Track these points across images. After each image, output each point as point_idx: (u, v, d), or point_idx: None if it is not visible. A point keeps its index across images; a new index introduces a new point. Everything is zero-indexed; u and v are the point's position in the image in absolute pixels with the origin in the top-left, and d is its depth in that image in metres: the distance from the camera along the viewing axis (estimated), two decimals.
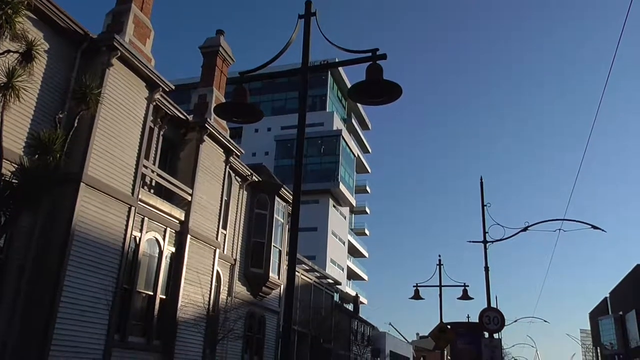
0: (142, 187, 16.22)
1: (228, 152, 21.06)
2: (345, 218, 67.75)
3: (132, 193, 15.27)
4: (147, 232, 16.34)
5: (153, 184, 17.47)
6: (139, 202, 15.58)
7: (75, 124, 12.03)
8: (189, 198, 18.33)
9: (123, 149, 15.09)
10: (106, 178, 14.31)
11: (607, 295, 68.69)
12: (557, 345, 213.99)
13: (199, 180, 18.93)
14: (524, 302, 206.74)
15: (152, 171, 16.99)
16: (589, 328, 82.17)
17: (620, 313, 60.51)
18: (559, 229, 17.43)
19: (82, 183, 13.35)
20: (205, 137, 19.30)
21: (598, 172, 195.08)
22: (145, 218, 16.23)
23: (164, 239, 17.14)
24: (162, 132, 18.18)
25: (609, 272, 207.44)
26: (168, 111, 18.02)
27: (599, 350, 74.17)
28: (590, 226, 16.75)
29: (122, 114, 15.11)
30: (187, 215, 18.18)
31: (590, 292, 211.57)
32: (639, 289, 53.63)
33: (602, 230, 16.68)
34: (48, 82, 13.52)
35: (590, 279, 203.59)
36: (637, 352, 54.20)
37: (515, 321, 67.76)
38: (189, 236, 18.06)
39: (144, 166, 16.13)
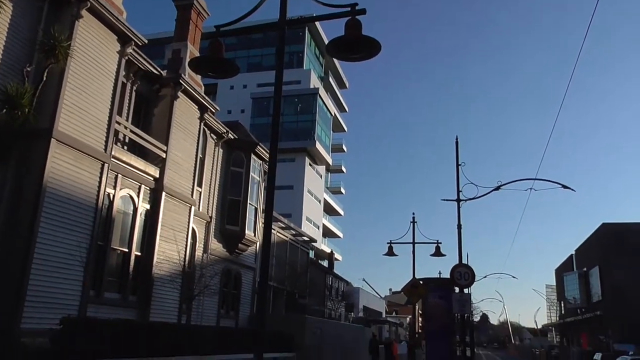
0: (115, 144, 15.95)
1: (203, 108, 20.74)
2: (321, 176, 68.02)
3: (105, 149, 15.01)
4: (121, 189, 16.17)
5: (126, 140, 17.18)
6: (112, 159, 15.35)
7: (44, 78, 11.67)
8: (164, 155, 18.12)
9: (95, 104, 14.73)
10: (78, 134, 14.00)
11: (573, 252, 71.17)
12: (523, 300, 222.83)
13: (173, 137, 18.67)
14: (494, 258, 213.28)
15: (125, 127, 16.67)
16: (555, 284, 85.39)
17: (585, 269, 62.90)
18: (530, 188, 17.87)
19: (52, 139, 13.04)
20: (180, 94, 18.94)
21: (570, 133, 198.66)
22: (119, 175, 16.03)
23: (138, 196, 17.01)
24: (135, 88, 17.75)
25: (576, 231, 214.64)
26: (141, 66, 17.55)
27: (562, 305, 77.36)
28: (560, 185, 17.17)
29: (93, 68, 14.67)
30: (161, 173, 18.01)
31: (557, 250, 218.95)
32: (603, 246, 55.67)
33: (572, 189, 17.12)
34: (14, 34, 12.96)
35: (558, 237, 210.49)
36: (598, 306, 56.72)
37: (485, 277, 70.36)
38: (163, 193, 17.94)
39: (117, 122, 15.81)
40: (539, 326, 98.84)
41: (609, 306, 53.45)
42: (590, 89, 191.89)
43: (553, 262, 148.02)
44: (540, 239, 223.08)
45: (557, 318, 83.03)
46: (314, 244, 42.75)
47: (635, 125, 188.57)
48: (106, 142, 15.10)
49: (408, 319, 78.59)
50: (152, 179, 17.66)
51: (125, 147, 16.98)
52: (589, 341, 52.75)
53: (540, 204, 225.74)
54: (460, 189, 18.16)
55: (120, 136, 16.71)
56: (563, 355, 63.83)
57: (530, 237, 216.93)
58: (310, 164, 63.39)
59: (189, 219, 19.71)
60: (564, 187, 17.14)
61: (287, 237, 33.87)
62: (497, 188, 17.85)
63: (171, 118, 18.62)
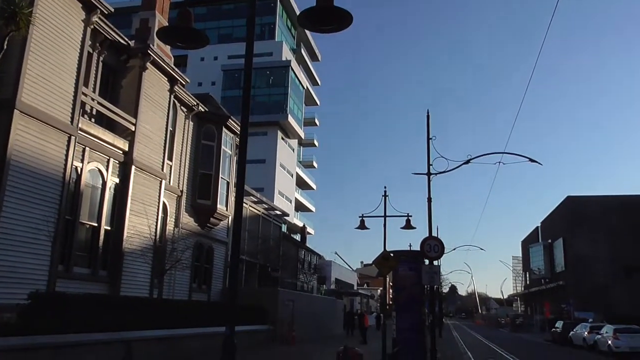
0: (82, 116, 15.55)
1: (172, 80, 20.33)
2: (293, 150, 67.83)
3: (72, 122, 14.63)
4: (89, 162, 15.84)
5: (94, 112, 16.76)
6: (79, 132, 14.99)
7: (5, 47, 11.22)
8: (133, 128, 17.77)
9: (60, 74, 14.28)
10: (42, 105, 13.59)
11: (539, 224, 73.21)
12: (490, 271, 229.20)
13: (142, 110, 18.30)
14: (463, 231, 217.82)
15: (92, 99, 16.26)
16: (521, 255, 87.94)
17: (549, 241, 64.88)
18: (499, 162, 18.12)
19: (15, 110, 12.65)
20: (148, 64, 18.49)
21: (539, 108, 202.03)
22: (87, 148, 15.68)
23: (107, 170, 16.70)
24: (101, 58, 17.24)
25: (542, 204, 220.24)
26: (108, 36, 17.03)
27: (527, 275, 79.89)
28: (528, 159, 17.48)
29: (57, 37, 14.17)
30: (130, 146, 17.68)
31: (524, 222, 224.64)
32: (568, 218, 57.39)
33: (539, 163, 17.47)
34: None
35: (525, 210, 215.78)
36: (561, 276, 58.73)
37: (454, 249, 71.66)
38: (133, 167, 17.66)
39: (83, 94, 15.40)
40: (505, 296, 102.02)
41: (571, 276, 55.42)
42: (558, 67, 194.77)
43: (520, 234, 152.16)
44: (507, 212, 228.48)
45: (523, 288, 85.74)
46: (286, 217, 42.88)
47: (600, 101, 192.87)
48: (72, 114, 14.71)
49: (379, 290, 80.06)
50: (121, 152, 17.33)
51: (93, 120, 16.57)
52: (552, 310, 54.66)
53: (509, 178, 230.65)
54: (430, 163, 18.34)
55: (87, 108, 16.29)
56: (527, 323, 66.20)
57: (498, 210, 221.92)
58: (282, 138, 63.07)
59: (160, 193, 19.49)
60: (531, 160, 17.47)
61: (259, 211, 33.86)
62: (467, 162, 18.08)
63: (140, 90, 18.21)
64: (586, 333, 30.09)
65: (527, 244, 78.74)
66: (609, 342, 25.66)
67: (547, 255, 65.34)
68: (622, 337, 25.28)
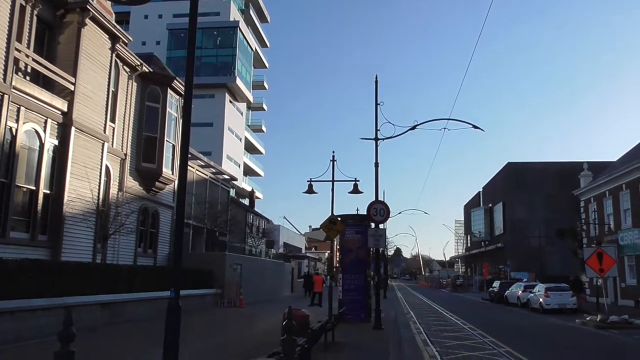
0: (16, 74, 14.71)
1: (114, 38, 19.45)
2: (241, 114, 66.83)
3: (4, 79, 13.84)
4: (24, 122, 15.08)
5: (29, 70, 15.85)
6: (13, 90, 14.20)
7: None
8: (72, 87, 16.97)
9: None
10: None
11: (480, 189, 75.97)
12: (434, 234, 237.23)
13: (82, 69, 17.47)
14: (408, 195, 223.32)
15: (27, 56, 15.35)
16: (463, 219, 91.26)
17: (490, 205, 67.59)
18: (444, 128, 18.60)
19: None
20: (87, 21, 17.57)
21: (484, 75, 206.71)
22: (22, 107, 14.89)
23: (44, 131, 15.96)
24: (36, 12, 16.20)
25: (484, 169, 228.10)
26: None
27: (469, 238, 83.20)
28: (471, 126, 18.00)
29: None
30: (70, 106, 16.92)
31: (467, 187, 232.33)
32: (507, 184, 59.84)
33: (481, 129, 18.02)
34: None
35: (468, 176, 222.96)
36: (499, 239, 61.55)
37: (400, 213, 73.55)
38: (73, 128, 16.95)
39: (17, 49, 14.53)
40: (447, 258, 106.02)
41: (509, 239, 58.22)
42: (502, 35, 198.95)
43: (462, 199, 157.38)
44: (451, 178, 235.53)
45: (464, 250, 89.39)
46: (234, 182, 42.52)
47: (542, 69, 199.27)
48: (5, 71, 13.91)
49: (326, 254, 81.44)
50: (59, 112, 16.56)
51: (28, 78, 15.69)
52: (490, 270, 57.44)
53: (453, 144, 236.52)
54: (378, 128, 18.56)
55: (22, 65, 15.38)
56: (467, 283, 69.35)
57: (443, 176, 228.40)
58: (230, 101, 61.91)
59: (102, 156, 18.86)
60: (475, 127, 18.00)
61: (206, 175, 33.42)
62: (413, 127, 18.42)
63: (79, 47, 17.32)
64: (520, 292, 31.85)
65: (469, 208, 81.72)
66: (541, 300, 27.30)
67: (488, 219, 68.17)
68: (552, 295, 26.95)
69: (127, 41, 20.44)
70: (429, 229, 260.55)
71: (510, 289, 34.63)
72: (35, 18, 16.18)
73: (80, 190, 17.38)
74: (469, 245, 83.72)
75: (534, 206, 55.23)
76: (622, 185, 31.63)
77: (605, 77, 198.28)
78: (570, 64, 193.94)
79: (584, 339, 16.23)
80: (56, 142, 16.54)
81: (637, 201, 29.97)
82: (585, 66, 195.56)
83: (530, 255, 53.14)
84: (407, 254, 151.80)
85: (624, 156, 35.62)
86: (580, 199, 38.54)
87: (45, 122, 15.98)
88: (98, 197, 18.35)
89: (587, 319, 20.89)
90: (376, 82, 18.87)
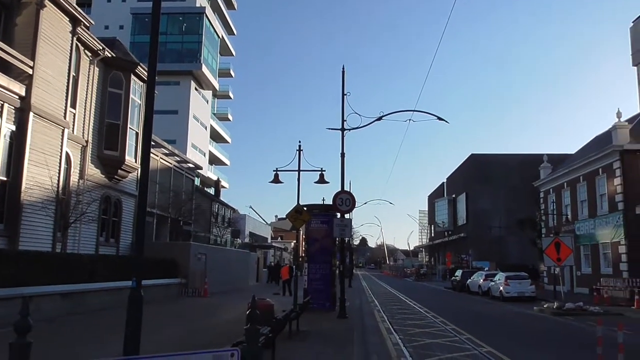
0: None
1: (75, 21, 18.85)
2: (207, 102, 65.92)
3: None
4: None
5: None
6: None
7: None
8: (30, 71, 16.40)
9: None
10: None
11: (444, 180, 77.26)
12: (399, 224, 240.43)
13: (41, 52, 16.89)
14: (374, 186, 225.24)
15: None
16: (427, 209, 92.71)
17: (453, 196, 68.86)
18: (409, 120, 18.80)
19: None
20: (47, 2, 16.98)
21: (449, 69, 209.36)
22: None
23: (0, 116, 15.39)
24: None
25: (449, 161, 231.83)
26: None
27: (432, 228, 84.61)
28: (436, 117, 18.25)
29: None
30: (28, 91, 16.36)
31: (431, 178, 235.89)
32: (471, 175, 61.03)
33: (446, 121, 18.29)
34: None
35: (433, 166, 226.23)
36: (462, 229, 62.81)
37: (365, 203, 74.33)
38: (31, 113, 16.41)
39: None
40: (412, 248, 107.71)
41: (471, 229, 59.49)
42: (467, 28, 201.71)
43: (427, 189, 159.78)
44: (416, 168, 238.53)
45: (428, 240, 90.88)
46: (199, 171, 42.05)
47: (505, 64, 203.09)
48: None
49: (292, 243, 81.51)
50: (17, 97, 15.99)
51: None
52: (453, 260, 58.60)
53: (419, 136, 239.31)
54: (345, 119, 18.62)
55: None
56: (430, 272, 70.66)
57: (408, 167, 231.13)
58: (196, 88, 60.95)
59: (62, 142, 18.33)
60: (439, 119, 18.26)
61: (171, 163, 32.92)
62: (379, 118, 18.56)
63: (37, 30, 16.73)
64: (481, 280, 32.64)
65: (433, 198, 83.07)
66: (501, 288, 28.06)
67: (451, 209, 69.45)
68: (512, 283, 27.73)
69: (88, 24, 19.85)
70: (394, 219, 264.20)
71: (472, 278, 35.44)
72: None
73: (39, 178, 16.88)
74: (432, 235, 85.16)
75: (496, 197, 56.53)
76: (579, 177, 32.65)
77: (563, 71, 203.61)
78: (532, 56, 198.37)
79: (541, 325, 16.77)
80: (13, 128, 15.99)
81: (593, 193, 31.01)
82: (545, 59, 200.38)
83: (492, 244, 54.48)
84: (372, 243, 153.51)
85: (581, 149, 36.76)
86: (540, 190, 39.63)
87: (2, 107, 15.41)
88: (58, 184, 17.86)
89: (545, 306, 21.60)
90: (343, 72, 18.91)
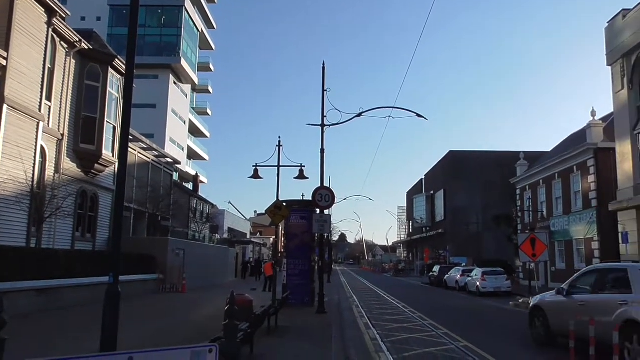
0: None
1: (50, 12, 18.49)
2: (186, 96, 65.29)
3: None
4: None
5: None
6: None
7: None
8: (4, 62, 16.05)
9: None
10: None
11: (423, 177, 77.86)
12: (378, 220, 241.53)
13: (15, 43, 16.53)
14: (353, 182, 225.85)
15: None
16: (405, 205, 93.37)
17: (432, 192, 69.46)
18: (389, 116, 18.92)
19: None
20: None
21: (429, 65, 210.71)
22: None
23: None
24: None
25: (428, 157, 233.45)
26: None
27: (411, 224, 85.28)
28: (415, 114, 18.38)
29: None
30: (1, 83, 16.01)
31: (410, 174, 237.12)
32: (449, 171, 61.62)
33: (425, 118, 18.45)
34: None
35: (411, 163, 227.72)
36: (440, 225, 63.43)
37: (345, 199, 74.57)
38: (5, 106, 16.06)
39: None
40: (390, 243, 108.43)
41: (449, 225, 60.11)
42: (447, 25, 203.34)
43: (406, 186, 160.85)
44: (396, 165, 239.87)
45: (406, 236, 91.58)
46: (178, 165, 41.65)
47: (485, 61, 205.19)
48: None
49: (272, 239, 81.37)
50: None
51: None
52: (431, 255, 59.20)
53: (398, 132, 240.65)
54: (325, 115, 18.62)
55: None
56: (408, 268, 71.22)
57: (387, 163, 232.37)
58: (174, 82, 60.31)
59: (37, 136, 18.00)
60: (418, 115, 18.40)
61: (149, 158, 32.55)
62: (359, 114, 18.61)
63: (11, 20, 16.36)
64: (459, 276, 33.04)
65: (411, 195, 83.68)
66: (477, 283, 28.45)
67: (429, 206, 70.06)
68: (489, 279, 28.14)
69: (65, 15, 19.49)
70: (373, 215, 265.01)
71: (449, 274, 35.85)
72: None
73: (13, 171, 16.56)
74: (411, 231, 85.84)
75: (473, 193, 57.18)
76: (555, 174, 33.24)
77: (539, 69, 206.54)
78: (509, 54, 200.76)
79: (516, 320, 17.04)
80: None
81: (568, 190, 31.60)
82: (523, 57, 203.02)
83: (469, 240, 55.15)
84: (351, 239, 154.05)
85: (557, 147, 37.41)
86: (516, 187, 40.23)
87: None
88: (33, 179, 17.54)
89: (520, 301, 21.95)
90: (323, 68, 18.89)
